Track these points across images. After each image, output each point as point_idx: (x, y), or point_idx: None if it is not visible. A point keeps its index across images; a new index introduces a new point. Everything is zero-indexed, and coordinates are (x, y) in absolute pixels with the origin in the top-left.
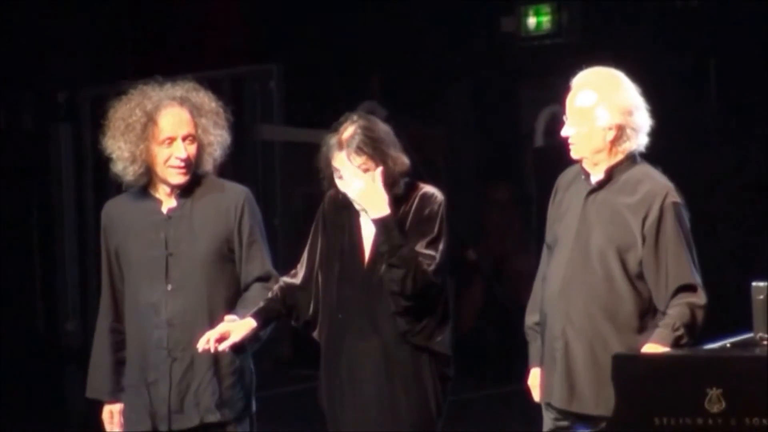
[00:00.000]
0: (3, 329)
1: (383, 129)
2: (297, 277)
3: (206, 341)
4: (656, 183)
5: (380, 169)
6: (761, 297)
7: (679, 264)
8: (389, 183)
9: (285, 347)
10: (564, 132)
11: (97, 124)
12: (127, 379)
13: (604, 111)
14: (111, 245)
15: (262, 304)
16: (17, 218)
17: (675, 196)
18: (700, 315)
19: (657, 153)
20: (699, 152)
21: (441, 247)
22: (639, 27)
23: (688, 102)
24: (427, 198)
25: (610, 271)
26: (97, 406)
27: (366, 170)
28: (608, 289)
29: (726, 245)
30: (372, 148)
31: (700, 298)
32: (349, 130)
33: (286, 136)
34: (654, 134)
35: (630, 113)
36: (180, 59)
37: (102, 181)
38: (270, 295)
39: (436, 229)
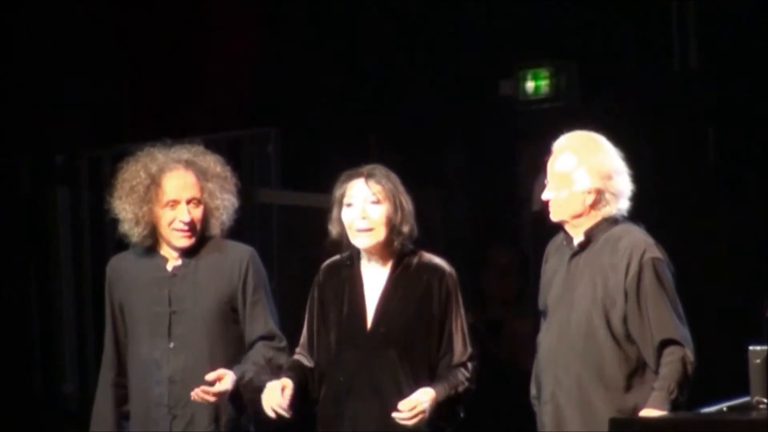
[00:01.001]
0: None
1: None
2: (305, 358)
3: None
4: (635, 240)
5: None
6: (758, 360)
7: (661, 318)
8: (391, 230)
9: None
10: (544, 196)
11: (96, 186)
12: None
13: (583, 175)
14: (115, 299)
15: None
16: (14, 281)
17: (654, 252)
18: (691, 369)
19: (654, 217)
20: (696, 217)
21: (467, 330)
22: (637, 91)
23: (686, 166)
24: (441, 276)
25: (595, 332)
26: None
27: (377, 201)
28: (593, 349)
29: (722, 308)
30: (389, 187)
31: (687, 353)
32: (371, 166)
33: (284, 200)
34: (651, 198)
35: (609, 177)
36: (178, 122)
37: (100, 244)
38: (289, 363)
39: (459, 319)
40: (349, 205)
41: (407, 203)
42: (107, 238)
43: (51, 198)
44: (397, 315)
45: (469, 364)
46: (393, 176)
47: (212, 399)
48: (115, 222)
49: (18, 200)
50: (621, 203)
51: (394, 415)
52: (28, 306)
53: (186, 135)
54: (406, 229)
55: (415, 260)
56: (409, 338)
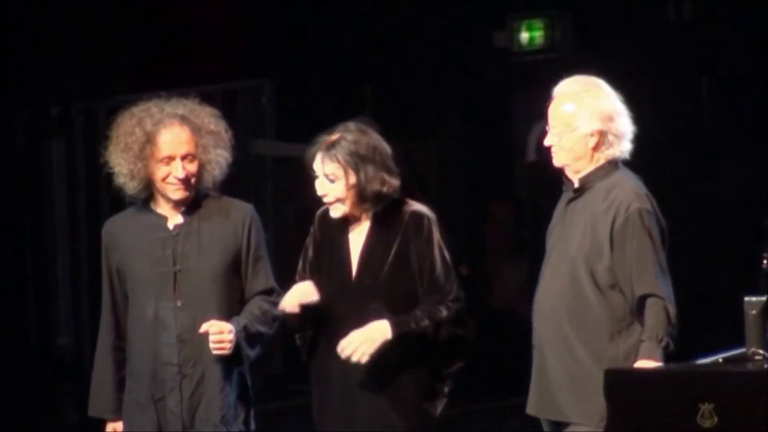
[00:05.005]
0: None
1: (371, 145)
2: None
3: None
4: (625, 190)
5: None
6: (754, 312)
7: (642, 269)
8: (359, 197)
9: (276, 363)
10: (547, 141)
11: (90, 138)
12: (131, 396)
13: (584, 118)
14: (113, 263)
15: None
16: (9, 232)
17: (642, 203)
18: (674, 315)
19: (650, 166)
20: (692, 166)
21: (451, 269)
22: (632, 42)
23: (681, 115)
24: (417, 219)
25: (578, 279)
26: (90, 422)
27: (333, 180)
28: (577, 298)
29: (719, 258)
30: (346, 160)
31: (668, 305)
32: (335, 137)
33: (278, 151)
34: (646, 147)
35: (611, 119)
36: (173, 74)
37: (95, 195)
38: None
39: (437, 257)
40: (315, 177)
41: (374, 162)
42: (102, 190)
43: (46, 149)
44: (378, 267)
45: (448, 303)
46: (358, 140)
47: (228, 349)
48: (110, 176)
49: (13, 152)
50: (624, 145)
51: (338, 351)
52: (23, 257)
53: (181, 87)
54: (374, 188)
55: (396, 210)
56: (392, 289)
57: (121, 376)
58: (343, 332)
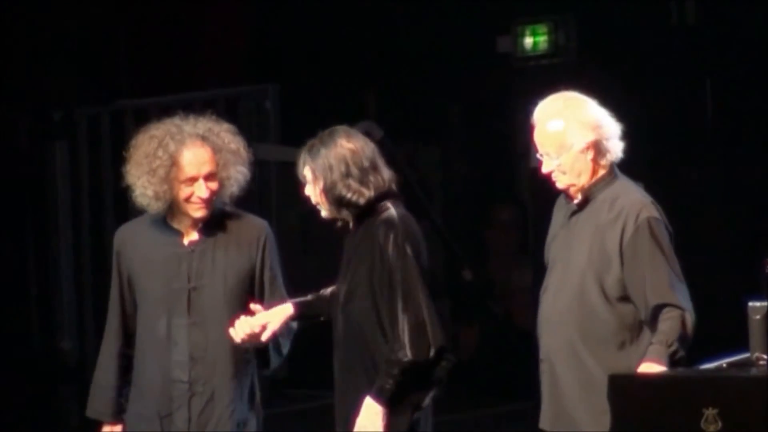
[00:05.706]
0: None
1: (343, 151)
2: None
3: (238, 334)
4: (631, 199)
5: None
6: (758, 317)
7: (657, 280)
8: (331, 201)
9: (281, 367)
10: (545, 168)
11: (94, 142)
12: (135, 408)
13: (575, 132)
14: (124, 271)
15: (309, 297)
16: (12, 237)
17: (650, 211)
18: (690, 326)
19: (653, 170)
20: (695, 171)
21: (408, 275)
22: (635, 46)
23: (684, 121)
24: (381, 227)
25: (588, 292)
26: (93, 427)
27: (308, 183)
28: (586, 310)
29: (722, 264)
30: (314, 165)
31: (685, 314)
32: (313, 142)
33: (282, 156)
34: (650, 151)
35: (599, 125)
36: (175, 79)
37: (98, 199)
38: (320, 292)
39: (393, 263)
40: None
41: (341, 175)
42: (106, 194)
43: (49, 154)
44: (349, 274)
45: (405, 336)
46: (337, 145)
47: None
48: (114, 180)
49: (16, 156)
50: (617, 145)
51: None
52: (26, 262)
53: (184, 91)
54: (337, 194)
55: (373, 218)
56: (358, 296)
57: (125, 382)
58: (335, 335)
